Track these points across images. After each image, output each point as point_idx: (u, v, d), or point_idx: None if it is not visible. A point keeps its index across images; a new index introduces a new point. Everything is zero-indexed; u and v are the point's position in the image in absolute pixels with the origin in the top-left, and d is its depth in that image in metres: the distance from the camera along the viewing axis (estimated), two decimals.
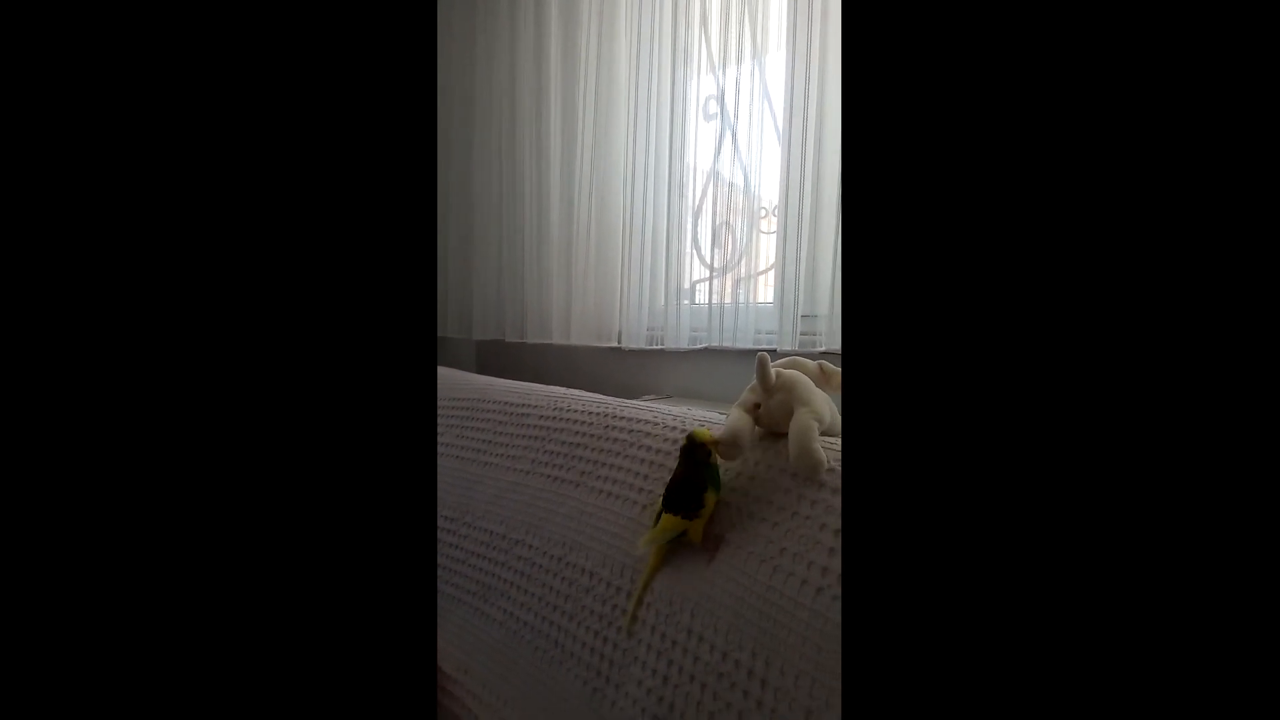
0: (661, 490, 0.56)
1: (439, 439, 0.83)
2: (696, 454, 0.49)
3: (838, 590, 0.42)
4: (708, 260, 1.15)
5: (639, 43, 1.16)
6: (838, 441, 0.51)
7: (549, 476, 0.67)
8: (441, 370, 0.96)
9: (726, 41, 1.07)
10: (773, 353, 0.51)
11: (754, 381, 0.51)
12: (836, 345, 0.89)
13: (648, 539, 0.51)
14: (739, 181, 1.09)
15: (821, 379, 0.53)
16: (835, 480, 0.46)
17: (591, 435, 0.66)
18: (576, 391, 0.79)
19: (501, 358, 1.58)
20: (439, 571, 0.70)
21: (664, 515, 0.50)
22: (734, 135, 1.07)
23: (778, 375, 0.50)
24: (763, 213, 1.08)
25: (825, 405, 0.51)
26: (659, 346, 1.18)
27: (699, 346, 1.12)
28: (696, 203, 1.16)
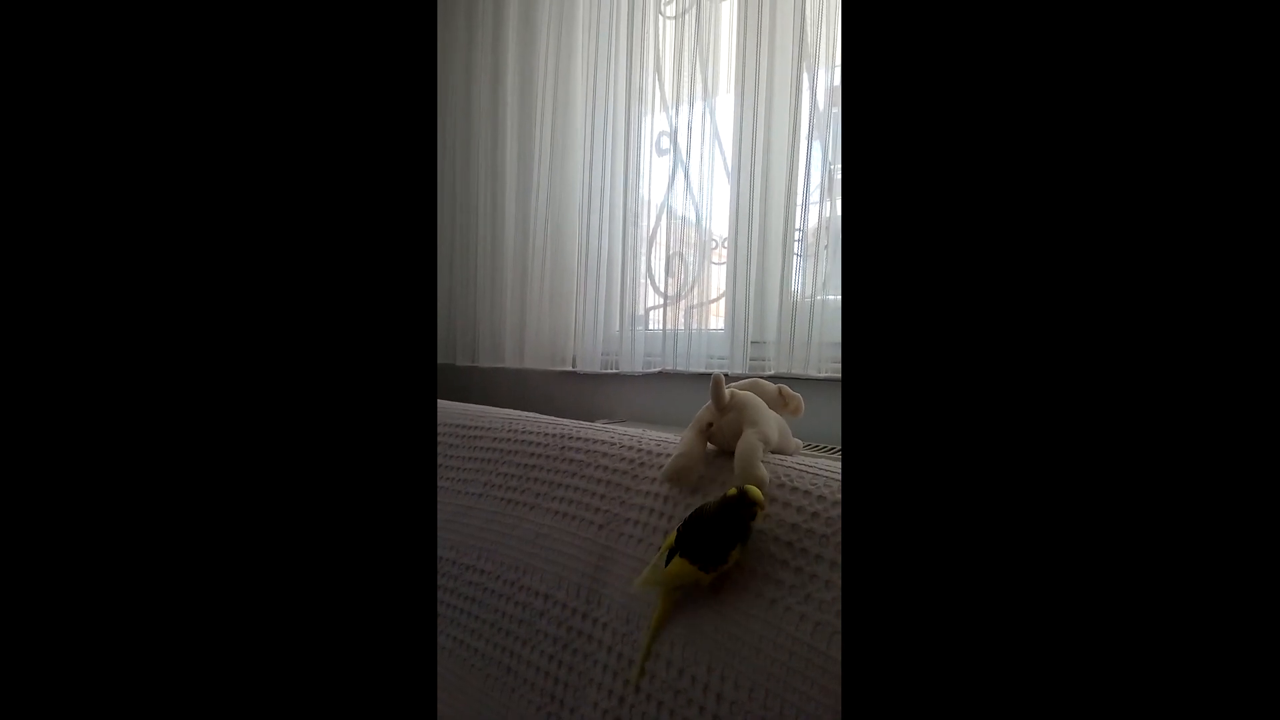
0: (622, 512, 0.56)
1: None
2: (741, 510, 0.44)
3: (789, 602, 0.43)
4: (661, 288, 1.18)
5: (594, 80, 1.20)
6: (787, 460, 0.53)
7: (502, 499, 0.66)
8: None
9: (679, 84, 1.12)
10: (727, 376, 0.53)
11: (710, 401, 0.53)
12: (785, 369, 0.93)
13: (651, 580, 0.46)
14: (691, 216, 1.14)
15: (779, 403, 0.55)
16: (785, 495, 0.48)
17: (547, 456, 0.66)
18: (530, 414, 0.78)
19: (450, 382, 1.54)
20: None
21: (678, 559, 0.44)
22: (686, 173, 1.12)
23: (732, 395, 0.52)
24: (713, 244, 1.12)
25: (774, 426, 0.53)
26: (614, 370, 1.19)
27: (653, 370, 1.14)
28: (650, 233, 1.20)
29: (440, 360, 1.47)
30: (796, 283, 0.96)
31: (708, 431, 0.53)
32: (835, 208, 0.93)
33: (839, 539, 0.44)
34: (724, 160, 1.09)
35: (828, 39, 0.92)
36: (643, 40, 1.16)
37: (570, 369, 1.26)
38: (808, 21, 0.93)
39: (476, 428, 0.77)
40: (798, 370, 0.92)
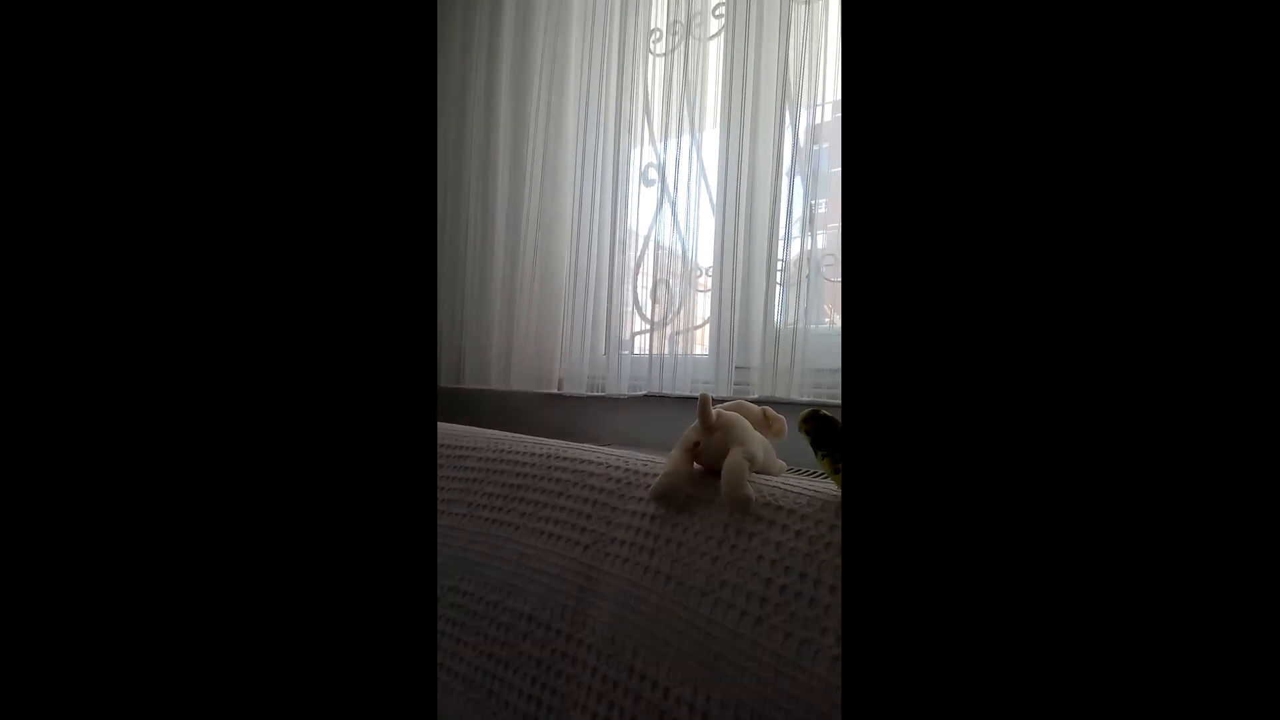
0: (608, 532, 0.56)
1: None
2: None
3: (775, 620, 0.44)
4: (647, 314, 1.20)
5: (585, 113, 1.24)
6: (772, 480, 0.54)
7: (487, 519, 0.65)
8: None
9: (667, 119, 1.17)
10: (712, 399, 0.54)
11: (697, 421, 0.54)
12: (769, 393, 0.95)
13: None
14: (676, 246, 1.17)
15: (764, 425, 0.57)
16: (771, 514, 0.49)
17: (533, 476, 0.66)
18: (516, 434, 0.78)
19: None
20: None
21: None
22: (673, 204, 1.16)
23: (718, 415, 0.53)
24: (698, 273, 1.15)
25: (759, 446, 0.54)
26: (600, 393, 1.20)
27: (639, 393, 1.15)
28: (637, 261, 1.22)
29: None
30: (779, 311, 0.98)
31: (694, 451, 0.54)
32: (816, 240, 0.97)
33: (823, 558, 0.45)
34: (709, 193, 1.13)
35: (810, 80, 0.97)
36: (632, 76, 1.20)
37: (556, 391, 1.26)
38: (790, 63, 0.98)
39: (461, 447, 0.77)
40: (781, 394, 0.94)
